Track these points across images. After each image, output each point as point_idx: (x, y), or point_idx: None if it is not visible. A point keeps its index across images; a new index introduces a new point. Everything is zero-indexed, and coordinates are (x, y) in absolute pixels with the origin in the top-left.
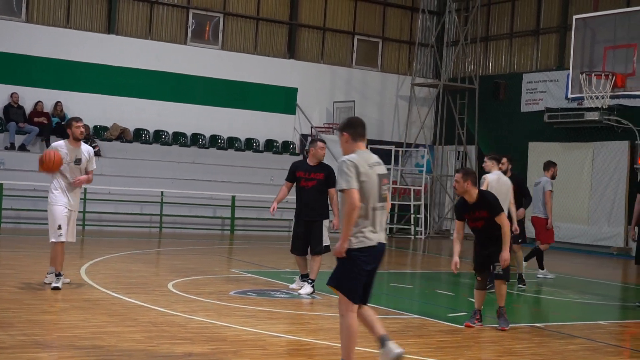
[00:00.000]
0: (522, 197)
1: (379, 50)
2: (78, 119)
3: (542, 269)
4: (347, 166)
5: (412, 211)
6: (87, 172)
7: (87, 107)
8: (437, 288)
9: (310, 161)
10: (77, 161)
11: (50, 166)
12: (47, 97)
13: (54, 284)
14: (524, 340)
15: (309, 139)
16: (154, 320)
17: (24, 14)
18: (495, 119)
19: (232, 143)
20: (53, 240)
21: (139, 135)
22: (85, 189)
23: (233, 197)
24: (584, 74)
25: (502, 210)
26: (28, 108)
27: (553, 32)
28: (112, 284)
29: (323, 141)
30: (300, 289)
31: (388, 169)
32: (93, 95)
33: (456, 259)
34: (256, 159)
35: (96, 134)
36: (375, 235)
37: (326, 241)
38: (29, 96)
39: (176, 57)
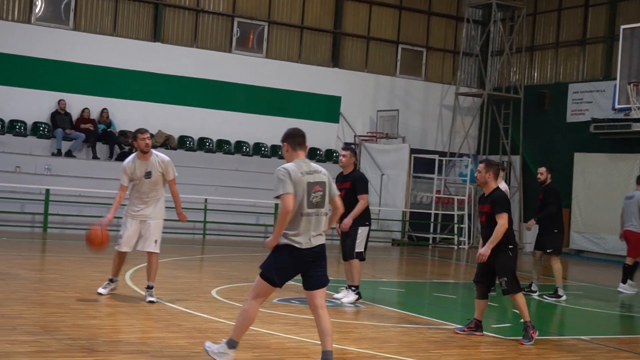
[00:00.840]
0: (543, 207)
1: (423, 60)
2: (143, 131)
3: (625, 282)
4: (282, 174)
5: (455, 221)
6: (169, 183)
7: (132, 114)
8: None
9: (344, 170)
10: (147, 175)
11: (98, 245)
12: (94, 104)
13: (99, 289)
14: (570, 353)
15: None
16: (198, 327)
17: (71, 22)
18: (540, 129)
19: (275, 151)
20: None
21: (183, 143)
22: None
23: (276, 205)
24: (632, 85)
25: (505, 210)
26: (75, 115)
27: (600, 42)
28: (157, 289)
29: (347, 149)
30: (345, 298)
31: (431, 178)
32: (138, 102)
33: (482, 251)
34: None
35: None
36: (301, 238)
37: (359, 247)
38: (76, 103)
39: (221, 65)
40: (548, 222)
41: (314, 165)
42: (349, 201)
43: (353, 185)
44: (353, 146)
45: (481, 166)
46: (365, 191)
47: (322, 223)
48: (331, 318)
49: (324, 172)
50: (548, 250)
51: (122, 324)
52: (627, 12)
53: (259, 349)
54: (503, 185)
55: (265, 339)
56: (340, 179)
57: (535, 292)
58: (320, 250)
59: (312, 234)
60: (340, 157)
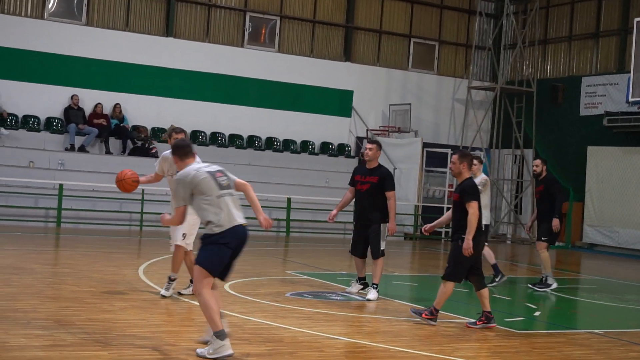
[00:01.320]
0: (545, 198)
1: (436, 53)
2: (179, 130)
3: None
4: (177, 184)
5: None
6: None
7: (145, 109)
8: (494, 292)
9: (368, 164)
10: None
11: (121, 186)
12: (106, 99)
13: (162, 291)
14: (583, 346)
15: (364, 141)
16: None
17: (84, 18)
18: (553, 123)
19: (287, 145)
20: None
21: (195, 137)
22: (142, 190)
23: (288, 199)
24: None
25: (474, 198)
26: (87, 110)
27: (613, 34)
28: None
29: (373, 142)
30: (368, 295)
31: (444, 172)
32: (150, 97)
33: (429, 224)
34: (312, 161)
35: (153, 136)
36: (229, 217)
37: (383, 245)
38: (89, 98)
39: (233, 59)
40: (551, 211)
41: (208, 164)
42: (373, 195)
43: (381, 181)
44: (365, 139)
45: (455, 157)
46: (394, 187)
47: (237, 202)
48: (343, 312)
49: (215, 165)
50: (543, 238)
51: (135, 318)
52: None
53: (272, 342)
54: (483, 176)
55: (278, 333)
56: (363, 172)
57: (550, 285)
58: (244, 230)
59: (235, 212)
60: (366, 151)
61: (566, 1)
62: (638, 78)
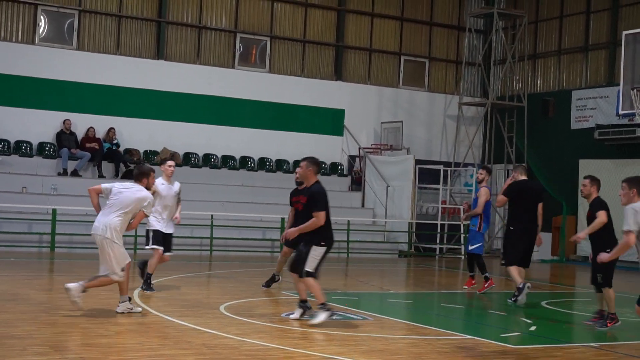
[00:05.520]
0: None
1: (426, 70)
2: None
3: None
4: None
5: (461, 231)
6: None
7: (137, 131)
8: (489, 308)
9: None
10: None
11: None
12: (99, 123)
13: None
14: None
15: (356, 159)
16: (207, 343)
17: (75, 42)
18: (544, 137)
19: (280, 165)
20: None
21: (188, 159)
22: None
23: (282, 220)
24: (635, 90)
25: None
26: (80, 134)
27: (602, 48)
28: (165, 306)
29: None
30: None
31: (437, 189)
32: (143, 120)
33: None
34: None
35: (146, 159)
36: None
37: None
38: (81, 122)
39: (224, 81)
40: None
41: None
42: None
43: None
44: (358, 157)
45: (587, 181)
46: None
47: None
48: (339, 331)
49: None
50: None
51: (131, 342)
52: (629, 18)
53: None
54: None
55: (275, 354)
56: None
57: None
58: None
59: None
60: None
61: (555, 15)
62: (628, 90)
